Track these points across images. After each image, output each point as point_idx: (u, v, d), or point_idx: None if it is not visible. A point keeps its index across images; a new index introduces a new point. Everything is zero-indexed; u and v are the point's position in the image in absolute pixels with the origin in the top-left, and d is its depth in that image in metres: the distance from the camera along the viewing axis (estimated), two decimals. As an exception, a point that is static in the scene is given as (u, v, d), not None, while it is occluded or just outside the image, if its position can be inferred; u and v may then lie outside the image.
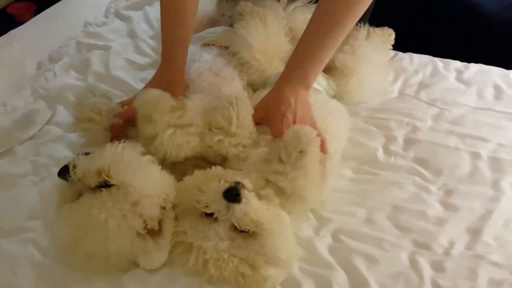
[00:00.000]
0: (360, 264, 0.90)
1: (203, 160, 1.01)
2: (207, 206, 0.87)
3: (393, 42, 1.38)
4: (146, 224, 0.86)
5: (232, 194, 0.85)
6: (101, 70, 1.38)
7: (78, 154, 0.90)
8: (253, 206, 0.86)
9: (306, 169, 0.91)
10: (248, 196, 0.87)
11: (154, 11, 1.61)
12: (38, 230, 0.95)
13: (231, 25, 1.28)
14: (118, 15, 1.63)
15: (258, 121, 1.01)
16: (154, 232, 0.87)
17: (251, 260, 0.85)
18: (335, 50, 1.04)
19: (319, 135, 0.96)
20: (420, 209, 1.02)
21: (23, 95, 1.30)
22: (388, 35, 1.37)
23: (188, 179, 0.93)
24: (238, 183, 0.88)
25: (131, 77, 1.34)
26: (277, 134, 0.99)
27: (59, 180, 0.89)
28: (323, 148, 0.98)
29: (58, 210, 0.89)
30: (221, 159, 1.00)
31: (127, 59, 1.42)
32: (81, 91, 1.09)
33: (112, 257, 0.83)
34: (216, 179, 0.89)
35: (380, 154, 1.15)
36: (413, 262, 0.92)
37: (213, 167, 0.95)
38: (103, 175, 0.85)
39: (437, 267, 0.91)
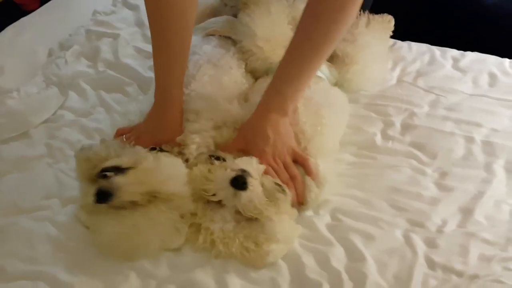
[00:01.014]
0: (357, 241, 0.95)
1: None
2: (214, 194, 0.93)
3: (392, 29, 1.42)
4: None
5: (240, 182, 0.91)
6: (110, 57, 1.42)
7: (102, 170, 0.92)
8: (258, 194, 0.92)
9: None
10: (254, 184, 0.92)
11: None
12: (54, 208, 1.00)
13: (234, 15, 1.31)
14: (126, 4, 1.67)
15: (240, 151, 1.03)
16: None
17: (254, 238, 0.91)
18: (314, 75, 1.05)
19: (300, 156, 1.01)
20: (416, 190, 1.07)
21: (35, 82, 1.34)
22: (387, 21, 1.40)
23: (195, 170, 0.98)
24: (244, 171, 0.93)
25: (139, 65, 1.39)
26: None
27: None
28: (307, 166, 1.02)
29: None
30: None
31: (135, 47, 1.46)
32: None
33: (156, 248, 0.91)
34: (222, 168, 0.95)
35: (379, 139, 1.20)
36: (408, 239, 0.97)
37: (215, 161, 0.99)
38: (154, 193, 0.91)
39: (431, 243, 0.96)
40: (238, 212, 0.93)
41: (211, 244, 0.92)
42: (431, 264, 0.93)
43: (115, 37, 1.49)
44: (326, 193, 1.04)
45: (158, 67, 1.07)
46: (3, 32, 1.43)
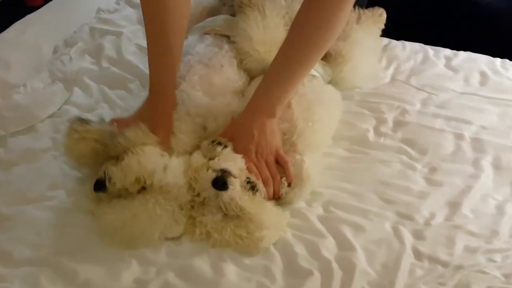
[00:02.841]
0: (347, 232, 0.99)
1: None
2: (198, 195, 0.99)
3: (384, 22, 1.44)
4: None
5: (220, 183, 0.96)
6: (113, 55, 1.46)
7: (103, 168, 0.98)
8: (238, 192, 0.97)
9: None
10: (234, 183, 0.97)
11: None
12: (59, 198, 1.04)
13: (232, 15, 1.33)
14: (129, 2, 1.70)
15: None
16: None
17: (244, 227, 0.96)
18: (303, 80, 1.11)
19: (282, 158, 1.06)
20: (405, 184, 1.11)
21: (41, 77, 1.38)
22: (379, 15, 1.42)
23: (194, 158, 1.02)
24: (224, 171, 0.98)
25: (141, 62, 1.42)
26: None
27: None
28: (286, 169, 1.06)
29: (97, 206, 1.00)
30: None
31: (137, 45, 1.50)
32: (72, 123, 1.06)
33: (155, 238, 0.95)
34: (204, 168, 0.99)
35: (371, 135, 1.24)
36: (396, 231, 1.01)
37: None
38: (141, 182, 0.96)
39: (418, 235, 1.00)
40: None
41: (207, 236, 0.97)
42: (417, 255, 0.97)
43: (118, 34, 1.53)
44: (317, 187, 1.09)
45: (152, 61, 1.13)
46: (9, 28, 1.46)
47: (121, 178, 0.96)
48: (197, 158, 1.02)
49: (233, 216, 0.97)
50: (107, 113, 1.27)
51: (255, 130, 1.07)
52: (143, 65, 1.41)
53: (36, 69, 1.41)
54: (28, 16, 1.53)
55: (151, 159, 0.98)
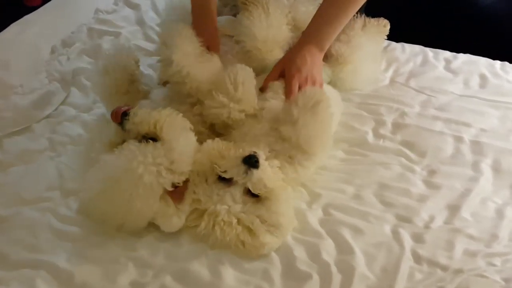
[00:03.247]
0: (347, 234, 0.99)
1: (214, 134, 1.11)
2: (225, 171, 0.98)
3: (387, 33, 1.45)
4: (174, 183, 0.96)
5: (252, 160, 0.97)
6: (111, 55, 1.46)
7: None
8: (267, 173, 0.98)
9: (317, 117, 1.04)
10: (264, 164, 0.99)
11: (161, 0, 1.68)
12: (56, 199, 1.04)
13: (234, 15, 1.34)
14: (127, 3, 1.70)
15: (276, 76, 1.17)
16: (176, 199, 0.97)
17: (255, 227, 0.95)
18: (348, 21, 1.20)
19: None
20: (404, 187, 1.10)
21: (39, 78, 1.38)
22: (383, 25, 1.43)
23: (210, 143, 1.03)
24: (255, 152, 0.99)
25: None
26: (289, 89, 1.13)
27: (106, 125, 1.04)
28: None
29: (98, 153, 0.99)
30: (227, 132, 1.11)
31: (136, 46, 1.49)
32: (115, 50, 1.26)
33: (132, 214, 0.92)
34: (235, 148, 1.01)
35: (370, 137, 1.23)
36: (395, 234, 1.00)
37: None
38: (157, 127, 0.97)
39: (417, 238, 1.00)
40: (246, 192, 0.98)
41: (212, 230, 0.95)
42: (417, 258, 0.97)
43: (117, 35, 1.53)
44: (316, 188, 1.09)
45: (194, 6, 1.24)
46: (7, 29, 1.46)
47: (143, 115, 0.98)
48: (220, 142, 1.04)
49: (250, 208, 0.96)
50: (104, 113, 1.26)
51: (308, 57, 1.17)
52: (142, 66, 1.40)
53: (34, 69, 1.41)
54: (26, 17, 1.52)
55: (178, 118, 1.01)
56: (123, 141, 0.98)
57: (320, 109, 1.05)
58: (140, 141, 0.96)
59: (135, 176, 0.90)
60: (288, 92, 1.13)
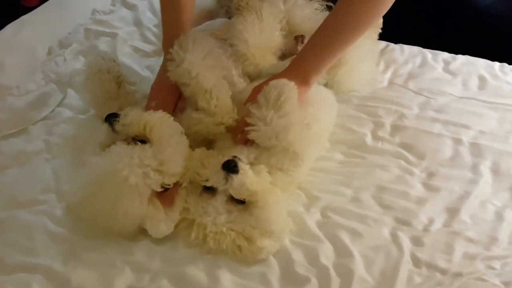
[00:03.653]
0: (345, 238, 0.98)
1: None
2: (207, 180, 0.96)
3: (381, 26, 1.43)
4: (163, 184, 0.95)
5: (231, 165, 0.95)
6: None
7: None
8: (249, 176, 0.95)
9: (288, 114, 1.00)
10: (245, 168, 0.96)
11: (159, 0, 1.67)
12: (51, 202, 1.03)
13: (230, 17, 1.33)
14: (125, 4, 1.69)
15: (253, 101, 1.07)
16: (166, 204, 0.96)
17: (248, 233, 0.93)
18: (341, 53, 1.12)
19: None
20: (403, 189, 1.10)
21: (35, 79, 1.36)
22: None
23: (196, 153, 1.02)
24: (235, 157, 0.97)
25: (137, 64, 1.41)
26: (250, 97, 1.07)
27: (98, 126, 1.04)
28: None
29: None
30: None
31: (133, 47, 1.48)
32: (92, 57, 1.27)
33: (118, 217, 0.91)
34: (215, 156, 0.99)
35: (369, 139, 1.22)
36: (394, 237, 1.00)
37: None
38: (147, 129, 0.96)
39: (416, 241, 0.99)
40: (230, 201, 0.96)
41: (203, 240, 0.94)
42: (416, 262, 0.96)
43: (114, 36, 1.52)
44: (314, 191, 1.08)
45: (166, 19, 1.18)
46: (4, 29, 1.45)
47: (134, 116, 0.98)
48: (204, 150, 1.03)
49: (237, 217, 0.95)
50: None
51: None
52: (139, 67, 1.40)
53: (30, 71, 1.40)
54: (23, 17, 1.51)
55: (169, 121, 1.02)
56: (114, 143, 0.97)
57: (283, 101, 1.01)
58: (128, 143, 0.96)
59: (120, 178, 0.90)
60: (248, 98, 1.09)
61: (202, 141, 1.09)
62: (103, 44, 1.48)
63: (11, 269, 0.91)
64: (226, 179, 0.95)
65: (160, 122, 0.99)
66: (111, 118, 0.99)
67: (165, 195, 0.97)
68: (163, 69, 1.13)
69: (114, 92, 1.17)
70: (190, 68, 1.05)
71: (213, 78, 1.08)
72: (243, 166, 0.97)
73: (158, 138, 0.96)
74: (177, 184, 0.98)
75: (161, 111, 1.03)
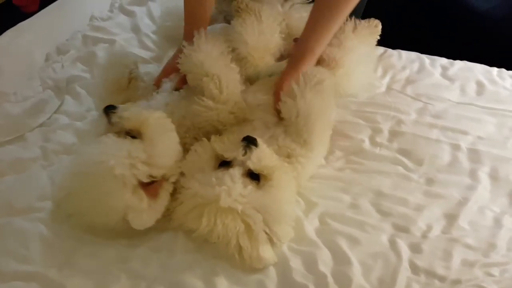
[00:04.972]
0: (344, 244, 0.98)
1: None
2: (225, 152, 0.99)
3: (379, 33, 1.43)
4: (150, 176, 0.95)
5: (251, 139, 0.98)
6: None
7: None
8: (266, 154, 0.98)
9: (319, 94, 1.06)
10: (263, 145, 0.99)
11: (157, 7, 1.67)
12: (48, 210, 1.02)
13: (229, 22, 1.32)
14: (123, 10, 1.69)
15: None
16: (151, 195, 0.96)
17: (256, 233, 0.92)
18: (332, 34, 1.19)
19: None
20: (401, 195, 1.09)
21: (32, 85, 1.36)
22: (374, 26, 1.41)
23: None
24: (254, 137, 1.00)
25: (135, 70, 1.41)
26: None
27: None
28: None
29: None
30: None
31: (131, 53, 1.48)
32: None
33: (103, 206, 0.91)
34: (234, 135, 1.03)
35: (367, 145, 1.22)
36: (393, 244, 0.99)
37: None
38: (143, 125, 0.98)
39: (415, 248, 0.99)
40: (246, 175, 0.97)
41: (213, 228, 0.92)
42: (414, 269, 0.96)
43: (111, 42, 1.52)
44: (312, 197, 1.08)
45: (186, 10, 1.25)
46: (1, 36, 1.44)
47: (132, 112, 0.99)
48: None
49: (252, 195, 0.94)
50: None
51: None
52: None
53: (27, 77, 1.40)
54: (21, 23, 1.51)
55: (163, 120, 1.03)
56: None
57: (322, 88, 1.07)
58: (119, 136, 0.96)
59: (106, 168, 0.90)
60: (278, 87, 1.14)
61: (206, 133, 1.10)
62: (101, 51, 1.48)
63: (6, 277, 0.90)
64: (245, 151, 0.96)
65: (157, 121, 1.01)
66: (108, 110, 1.00)
67: (151, 187, 0.96)
68: (175, 56, 1.22)
69: (125, 83, 1.20)
70: (202, 60, 1.09)
71: (223, 67, 1.11)
72: (262, 143, 1.00)
73: (151, 135, 0.97)
74: (164, 178, 0.98)
75: (160, 111, 1.04)
